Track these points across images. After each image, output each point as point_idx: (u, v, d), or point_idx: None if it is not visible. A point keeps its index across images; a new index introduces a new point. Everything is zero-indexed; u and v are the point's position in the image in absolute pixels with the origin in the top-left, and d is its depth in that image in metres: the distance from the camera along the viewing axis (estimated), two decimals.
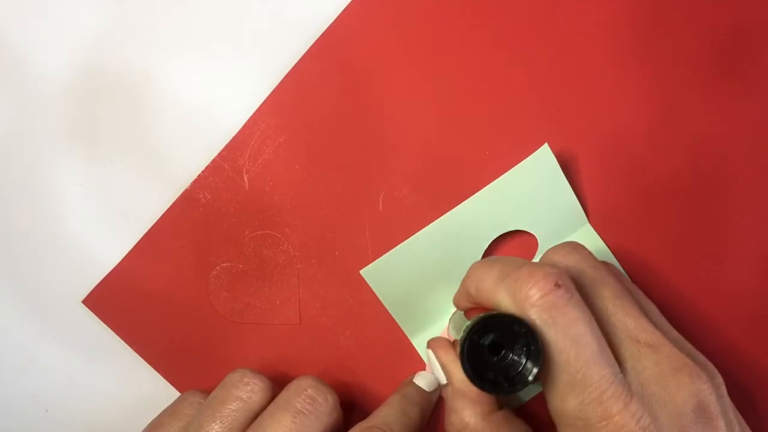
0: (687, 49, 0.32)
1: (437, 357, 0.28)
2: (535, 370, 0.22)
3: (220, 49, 0.33)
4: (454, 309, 0.32)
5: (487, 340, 0.23)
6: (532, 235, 0.32)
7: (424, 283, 0.31)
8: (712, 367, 0.25)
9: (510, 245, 0.32)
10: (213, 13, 0.33)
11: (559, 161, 0.30)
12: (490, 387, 0.23)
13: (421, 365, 0.32)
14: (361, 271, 0.31)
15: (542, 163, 0.30)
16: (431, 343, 0.29)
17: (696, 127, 0.32)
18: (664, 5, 0.32)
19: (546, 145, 0.30)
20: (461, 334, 0.24)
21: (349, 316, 0.33)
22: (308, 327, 0.33)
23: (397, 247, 0.30)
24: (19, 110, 0.34)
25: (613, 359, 0.23)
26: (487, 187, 0.30)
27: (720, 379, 0.25)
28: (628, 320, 0.25)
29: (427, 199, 0.32)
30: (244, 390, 0.28)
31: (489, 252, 0.32)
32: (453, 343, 0.29)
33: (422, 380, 0.31)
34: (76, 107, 0.34)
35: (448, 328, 0.31)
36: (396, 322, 0.32)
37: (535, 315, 0.23)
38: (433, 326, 0.32)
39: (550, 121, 0.32)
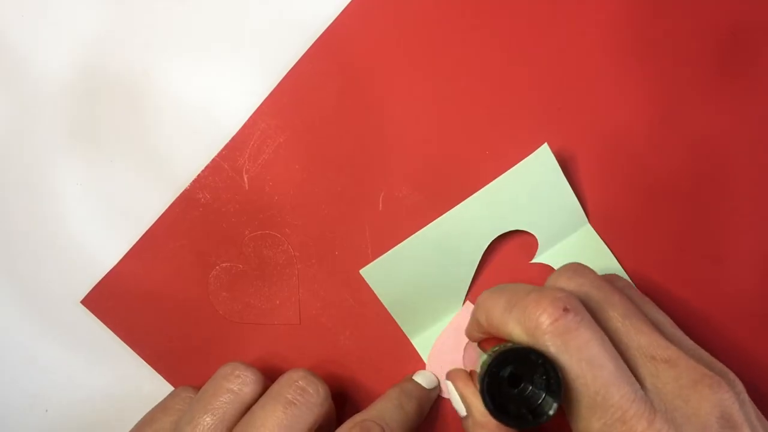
0: (687, 49, 0.32)
1: (457, 389, 0.28)
2: (555, 404, 0.22)
3: (220, 49, 0.33)
4: (452, 309, 0.32)
5: (506, 372, 0.23)
6: (532, 236, 0.31)
7: (423, 283, 0.31)
8: (731, 374, 0.25)
9: (510, 245, 0.32)
10: (213, 13, 0.33)
11: (559, 161, 0.30)
12: (514, 422, 0.22)
13: (420, 365, 0.32)
14: (360, 271, 0.31)
15: (542, 162, 0.30)
16: (450, 375, 0.29)
17: (696, 127, 0.32)
18: (664, 5, 0.32)
19: (546, 144, 0.30)
20: (479, 369, 0.24)
21: (349, 316, 0.33)
22: (308, 327, 0.33)
23: (397, 246, 0.30)
24: (19, 110, 0.34)
25: (632, 377, 0.23)
26: (486, 186, 0.30)
27: (740, 386, 0.24)
28: (641, 338, 0.25)
29: (427, 199, 0.32)
30: (235, 382, 0.28)
31: (489, 252, 0.32)
32: (470, 374, 0.29)
33: (422, 378, 0.31)
34: (76, 107, 0.34)
35: (463, 359, 0.31)
36: (396, 322, 0.32)
37: (548, 342, 0.23)
38: (433, 326, 0.32)
39: (550, 121, 0.32)
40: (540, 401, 0.23)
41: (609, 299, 0.26)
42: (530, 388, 0.23)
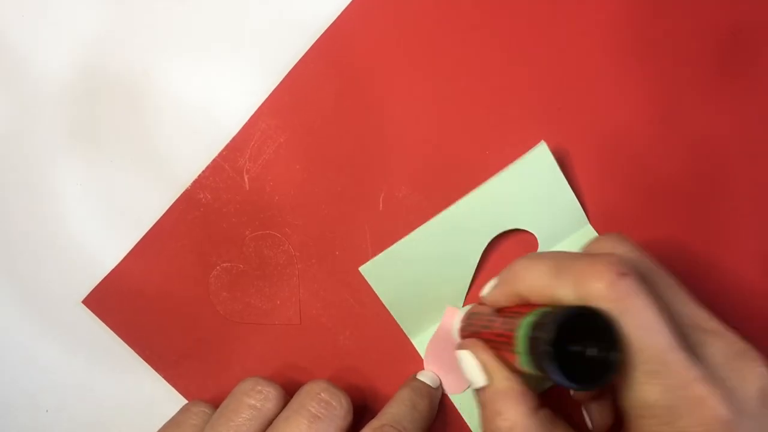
0: (687, 49, 0.32)
1: (477, 356, 0.26)
2: (615, 363, 0.22)
3: (220, 49, 0.33)
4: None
5: (551, 334, 0.22)
6: (533, 235, 0.32)
7: (423, 282, 0.31)
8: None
9: (510, 245, 0.32)
10: (213, 13, 0.33)
11: (559, 161, 0.30)
12: (580, 384, 0.21)
13: (421, 365, 0.32)
14: (360, 268, 0.31)
15: (539, 160, 0.30)
16: (466, 344, 0.27)
17: (696, 127, 0.32)
18: (664, 5, 0.32)
19: (543, 142, 0.30)
20: (523, 332, 0.23)
21: (349, 316, 0.33)
22: (308, 327, 0.33)
23: (396, 243, 0.30)
24: (19, 110, 0.34)
25: (687, 344, 0.23)
26: (484, 183, 0.30)
27: None
28: (688, 308, 0.25)
29: (426, 199, 0.32)
30: (257, 398, 0.28)
31: (488, 250, 0.32)
32: (485, 341, 0.27)
33: (426, 378, 0.31)
34: (76, 107, 0.34)
35: (461, 330, 0.30)
36: (396, 322, 0.32)
37: (605, 306, 0.22)
38: (432, 326, 0.32)
39: (550, 121, 0.32)
40: (599, 363, 0.22)
41: (655, 268, 0.26)
42: (588, 350, 0.22)
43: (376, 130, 0.32)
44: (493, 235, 0.31)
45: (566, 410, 0.29)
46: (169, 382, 0.33)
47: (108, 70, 0.33)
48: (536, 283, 0.25)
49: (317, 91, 0.32)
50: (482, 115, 0.32)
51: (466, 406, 0.32)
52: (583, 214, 0.32)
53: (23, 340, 0.34)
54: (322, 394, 0.28)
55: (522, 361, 0.23)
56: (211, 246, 0.33)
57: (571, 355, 0.22)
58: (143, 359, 0.33)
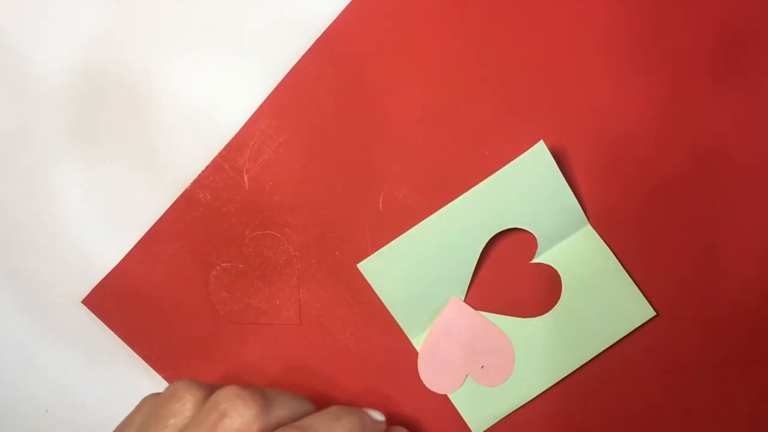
0: (687, 48, 0.32)
1: None
2: None
3: (220, 49, 0.33)
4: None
5: None
6: (531, 234, 0.32)
7: (422, 280, 0.31)
8: None
9: (509, 245, 0.32)
10: (213, 13, 0.33)
11: (558, 161, 0.30)
12: None
13: None
14: (358, 265, 0.31)
15: (537, 159, 0.30)
16: None
17: (696, 127, 0.32)
18: (665, 5, 0.32)
19: (542, 141, 0.30)
20: None
21: (349, 316, 0.33)
22: (308, 327, 0.33)
23: (394, 240, 0.30)
24: (19, 110, 0.34)
25: None
26: (482, 182, 0.30)
27: None
28: None
29: (426, 199, 0.32)
30: (177, 405, 0.27)
31: (488, 251, 0.32)
32: None
33: (373, 413, 0.30)
34: (76, 107, 0.34)
35: None
36: (396, 323, 0.32)
37: None
38: (432, 324, 0.32)
39: (550, 121, 0.32)
40: None
41: None
42: None
43: (376, 129, 0.32)
44: (492, 234, 0.31)
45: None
46: (168, 381, 0.33)
47: (108, 71, 0.33)
48: None
49: (317, 91, 0.32)
50: (482, 115, 0.32)
51: (463, 403, 0.32)
52: (582, 214, 0.31)
53: (23, 340, 0.34)
54: (223, 405, 0.26)
55: None
56: (210, 246, 0.33)
57: None
58: (143, 359, 0.33)
